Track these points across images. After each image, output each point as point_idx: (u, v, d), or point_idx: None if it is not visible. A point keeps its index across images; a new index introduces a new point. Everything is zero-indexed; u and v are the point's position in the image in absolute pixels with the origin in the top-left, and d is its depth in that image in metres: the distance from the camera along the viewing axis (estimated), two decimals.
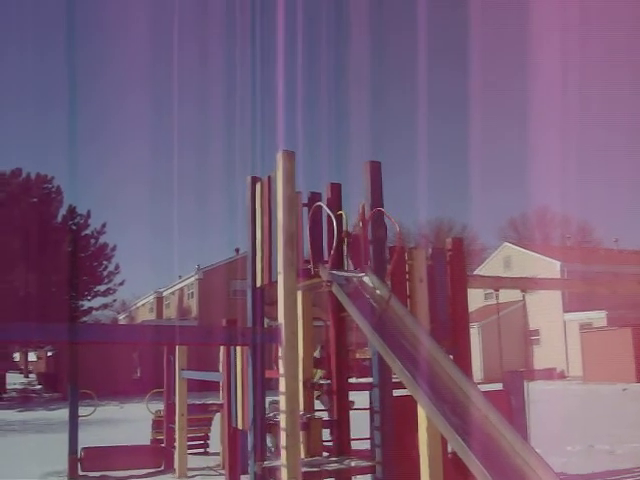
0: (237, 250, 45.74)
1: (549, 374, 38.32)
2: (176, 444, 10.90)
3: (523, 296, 8.56)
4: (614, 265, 41.87)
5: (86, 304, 42.19)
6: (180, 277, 51.87)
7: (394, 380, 6.20)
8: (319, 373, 8.40)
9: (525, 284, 8.83)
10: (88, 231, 41.91)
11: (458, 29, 77.18)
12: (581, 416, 17.56)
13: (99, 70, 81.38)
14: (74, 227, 41.08)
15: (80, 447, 10.79)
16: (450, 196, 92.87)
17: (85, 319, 41.03)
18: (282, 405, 5.90)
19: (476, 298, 40.83)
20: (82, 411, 11.62)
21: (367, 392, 6.61)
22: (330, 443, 7.23)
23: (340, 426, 7.09)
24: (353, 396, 7.23)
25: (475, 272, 43.37)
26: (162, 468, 11.13)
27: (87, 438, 11.97)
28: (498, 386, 7.56)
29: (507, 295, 11.38)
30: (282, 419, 5.91)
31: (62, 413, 17.03)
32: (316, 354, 8.12)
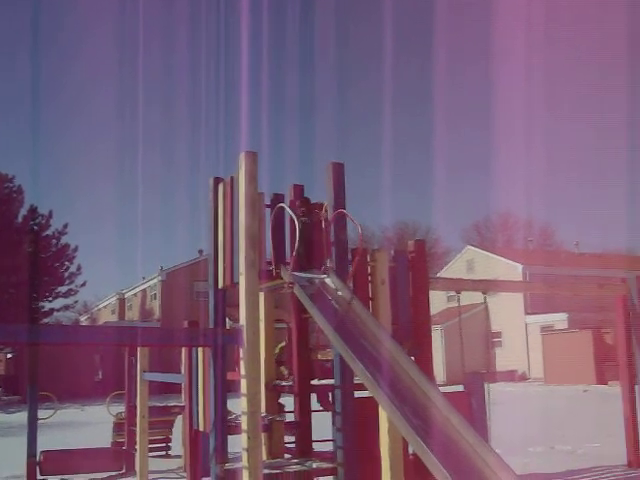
0: (200, 251, 45.52)
1: (511, 376, 38.65)
2: (137, 447, 10.79)
3: (484, 298, 8.63)
4: (575, 268, 42.34)
5: (47, 305, 41.65)
6: (143, 278, 51.49)
7: (356, 381, 6.21)
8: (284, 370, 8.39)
9: (486, 286, 8.92)
10: (49, 231, 41.39)
11: (424, 28, 77.61)
12: (542, 417, 17.72)
13: (62, 69, 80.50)
14: (35, 227, 40.53)
15: (39, 450, 10.64)
16: (415, 199, 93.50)
17: (46, 320, 40.53)
18: (243, 406, 5.88)
19: (439, 300, 41.08)
20: (42, 414, 11.47)
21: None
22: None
23: (302, 427, 7.09)
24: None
25: (438, 275, 43.64)
26: (123, 471, 11.02)
27: (47, 441, 11.82)
28: (460, 388, 7.60)
29: (470, 297, 11.50)
30: (243, 421, 5.89)
31: (21, 416, 16.80)
32: (276, 350, 8.09)
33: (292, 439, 7.34)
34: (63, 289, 41.76)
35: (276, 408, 7.63)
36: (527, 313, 41.24)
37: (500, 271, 39.35)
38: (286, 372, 7.98)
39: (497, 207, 72.16)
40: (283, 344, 8.28)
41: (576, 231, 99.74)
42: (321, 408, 7.74)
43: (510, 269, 41.65)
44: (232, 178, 6.42)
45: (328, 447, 7.20)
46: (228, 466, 6.50)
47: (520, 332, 41.50)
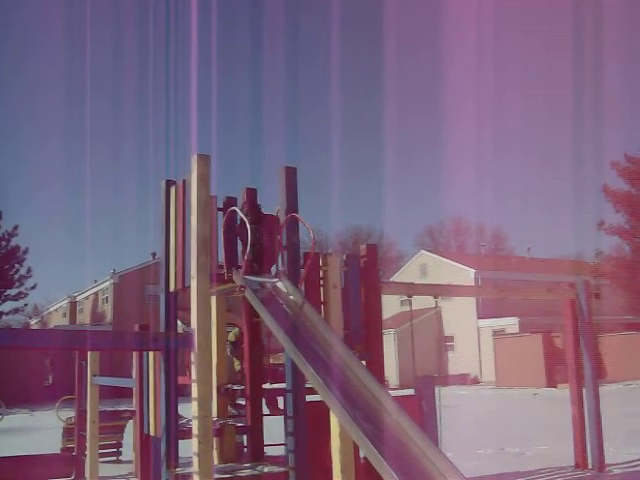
0: (154, 255, 45.12)
1: (463, 379, 39.00)
2: (87, 452, 10.67)
3: (436, 302, 8.71)
4: (526, 273, 42.94)
5: None
6: (95, 281, 50.92)
7: (307, 386, 6.22)
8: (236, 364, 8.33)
9: (438, 290, 8.99)
10: None
11: (373, 32, 78.12)
12: (493, 420, 17.92)
13: (11, 68, 79.25)
14: None
15: None
16: (369, 204, 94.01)
17: None
18: (194, 411, 5.85)
19: (393, 305, 41.32)
20: None
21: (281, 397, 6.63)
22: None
23: (254, 432, 7.07)
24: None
25: (392, 279, 43.87)
26: (73, 477, 10.87)
27: None
28: (412, 391, 7.65)
29: (423, 302, 11.58)
30: (194, 425, 5.86)
31: None
32: (230, 337, 8.02)
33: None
34: (13, 292, 41.19)
35: (227, 412, 7.62)
36: (479, 317, 41.66)
37: (453, 276, 39.65)
38: (239, 367, 7.92)
39: (450, 212, 72.98)
40: (237, 330, 8.19)
41: (528, 236, 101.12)
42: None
43: (462, 274, 42.04)
44: (184, 181, 6.39)
45: (280, 451, 7.21)
46: (179, 471, 6.46)
47: (472, 336, 41.91)
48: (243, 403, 7.68)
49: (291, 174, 6.71)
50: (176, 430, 6.64)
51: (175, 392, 6.65)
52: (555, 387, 30.23)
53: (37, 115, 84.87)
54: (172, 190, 6.69)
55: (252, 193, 6.95)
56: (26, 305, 46.67)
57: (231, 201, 6.87)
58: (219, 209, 6.77)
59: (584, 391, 10.32)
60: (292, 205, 6.63)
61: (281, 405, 7.85)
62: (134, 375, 9.04)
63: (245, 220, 6.47)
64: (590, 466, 10.07)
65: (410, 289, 9.05)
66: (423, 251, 51.48)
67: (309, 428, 6.39)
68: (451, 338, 43.14)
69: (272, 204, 6.85)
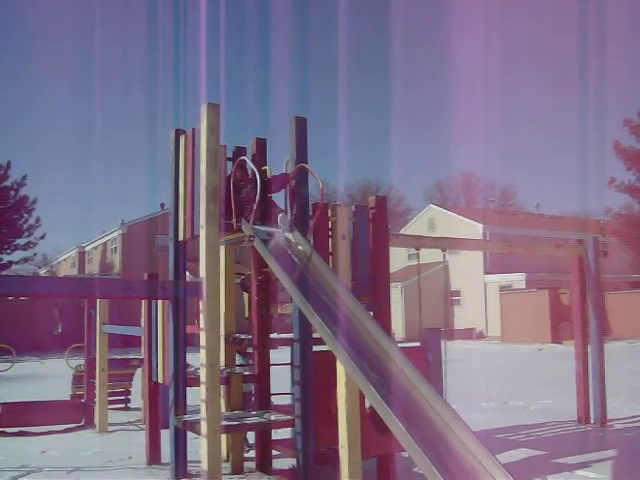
0: (162, 205, 45.25)
1: (469, 334, 39.24)
2: (96, 399, 10.82)
3: (444, 256, 8.70)
4: (534, 229, 42.91)
5: (5, 258, 41.19)
6: (104, 232, 51.09)
7: (314, 336, 6.26)
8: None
9: (446, 243, 8.98)
10: (8, 183, 40.76)
11: None
12: (497, 374, 18.05)
13: (18, 13, 78.64)
14: None
15: None
16: (378, 157, 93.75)
17: (4, 273, 40.10)
18: (202, 359, 5.91)
19: (400, 258, 41.40)
20: (0, 366, 11.43)
21: (288, 347, 6.68)
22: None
23: (261, 380, 7.16)
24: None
25: (400, 232, 43.83)
26: (82, 423, 11.02)
27: (5, 394, 11.83)
28: (418, 344, 7.69)
29: (430, 256, 11.59)
30: (202, 373, 5.93)
31: None
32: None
33: None
34: (22, 241, 41.29)
35: (234, 361, 7.69)
36: (486, 272, 41.76)
37: (461, 230, 39.63)
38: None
39: (460, 166, 72.65)
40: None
41: (537, 193, 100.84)
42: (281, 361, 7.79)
43: (471, 229, 42.03)
44: (194, 130, 6.38)
45: (286, 400, 7.30)
46: (187, 418, 6.56)
47: (479, 291, 42.06)
48: (251, 352, 7.74)
49: (301, 124, 6.66)
50: (184, 378, 6.73)
51: (183, 340, 6.73)
52: (560, 343, 30.41)
53: (45, 59, 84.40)
54: (181, 139, 6.68)
55: (261, 143, 6.93)
56: (35, 255, 46.89)
57: (240, 150, 6.85)
58: (228, 159, 6.75)
59: (589, 347, 10.37)
60: (301, 156, 6.60)
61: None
62: (143, 324, 9.11)
63: (255, 170, 6.46)
64: (592, 421, 10.17)
65: (418, 242, 9.05)
66: (431, 205, 51.39)
67: (315, 378, 6.44)
68: (458, 293, 43.29)
69: (281, 154, 6.82)
